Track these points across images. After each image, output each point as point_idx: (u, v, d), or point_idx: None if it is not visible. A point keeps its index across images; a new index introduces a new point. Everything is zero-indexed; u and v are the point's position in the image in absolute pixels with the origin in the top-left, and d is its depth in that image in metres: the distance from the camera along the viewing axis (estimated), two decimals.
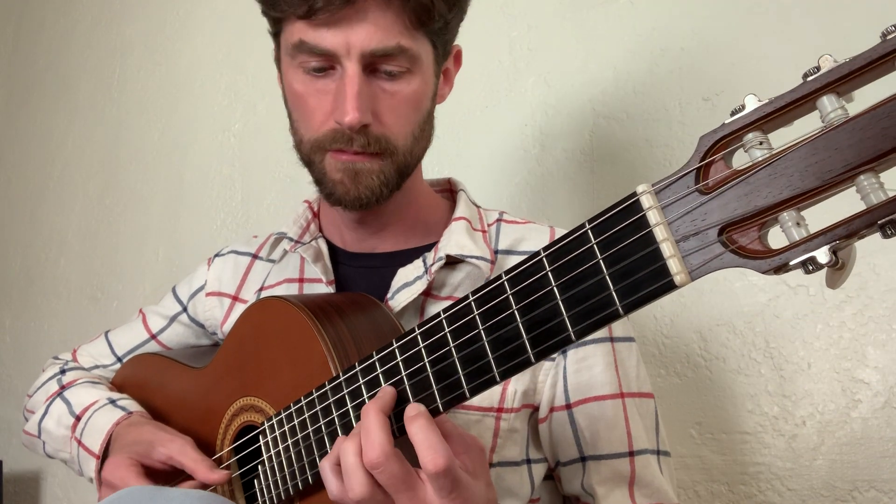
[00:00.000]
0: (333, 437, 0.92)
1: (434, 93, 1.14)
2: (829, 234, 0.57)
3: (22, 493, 2.75)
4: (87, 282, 2.74)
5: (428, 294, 1.14)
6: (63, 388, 1.35)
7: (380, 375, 0.87)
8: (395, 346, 0.86)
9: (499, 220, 1.23)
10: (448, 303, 0.84)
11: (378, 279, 1.18)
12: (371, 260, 1.23)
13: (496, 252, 1.17)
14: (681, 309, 1.49)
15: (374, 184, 1.08)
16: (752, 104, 0.60)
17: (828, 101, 0.57)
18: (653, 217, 0.65)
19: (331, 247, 1.26)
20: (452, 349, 0.81)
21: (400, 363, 0.86)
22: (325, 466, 0.86)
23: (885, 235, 0.54)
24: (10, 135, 3.23)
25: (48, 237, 2.94)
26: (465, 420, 1.08)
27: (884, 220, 0.54)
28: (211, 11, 2.55)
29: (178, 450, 1.11)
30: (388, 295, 1.14)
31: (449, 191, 1.32)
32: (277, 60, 1.16)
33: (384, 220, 1.20)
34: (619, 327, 1.15)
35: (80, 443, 1.24)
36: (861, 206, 0.55)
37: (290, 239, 1.25)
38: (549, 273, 0.72)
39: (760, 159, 0.60)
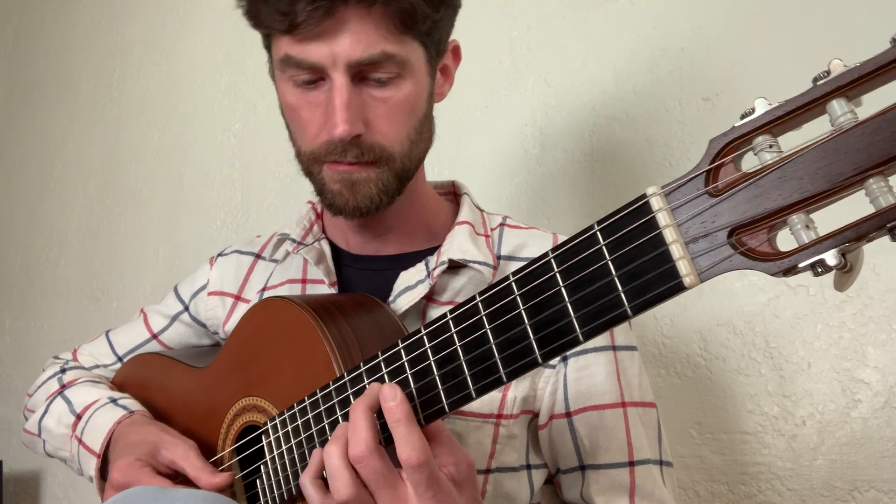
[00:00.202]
0: None
1: (430, 93, 1.13)
2: (839, 236, 0.57)
3: (22, 493, 2.74)
4: (87, 282, 2.74)
5: (430, 299, 1.14)
6: (64, 386, 1.35)
7: (385, 376, 0.87)
8: (400, 346, 0.86)
9: (502, 225, 1.23)
10: (450, 307, 0.84)
11: (381, 282, 1.17)
12: (374, 262, 1.23)
13: (499, 257, 1.17)
14: (681, 309, 1.49)
15: (372, 192, 1.08)
16: (761, 107, 0.60)
17: (837, 105, 0.57)
18: (662, 219, 0.65)
19: (334, 248, 1.26)
20: (459, 350, 0.81)
21: (406, 363, 0.85)
22: (306, 482, 0.87)
23: (894, 238, 0.55)
24: (10, 135, 3.23)
25: (48, 237, 2.93)
26: (465, 426, 1.08)
27: (893, 223, 0.54)
28: (211, 11, 2.55)
29: (181, 455, 1.10)
30: (390, 298, 1.14)
31: (453, 194, 1.31)
32: (271, 72, 1.16)
33: (387, 223, 1.20)
34: (621, 336, 1.14)
35: (80, 441, 1.24)
36: (870, 210, 0.56)
37: (293, 240, 1.25)
38: (558, 274, 0.72)
39: (770, 162, 0.60)
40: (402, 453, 0.79)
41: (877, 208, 0.55)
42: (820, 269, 0.58)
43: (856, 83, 0.56)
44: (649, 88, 1.59)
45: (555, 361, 1.11)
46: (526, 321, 0.75)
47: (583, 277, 0.71)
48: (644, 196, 0.67)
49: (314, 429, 0.95)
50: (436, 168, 1.85)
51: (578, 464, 1.10)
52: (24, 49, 3.26)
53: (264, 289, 1.30)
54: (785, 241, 0.61)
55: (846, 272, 0.58)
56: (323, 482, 0.86)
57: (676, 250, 0.64)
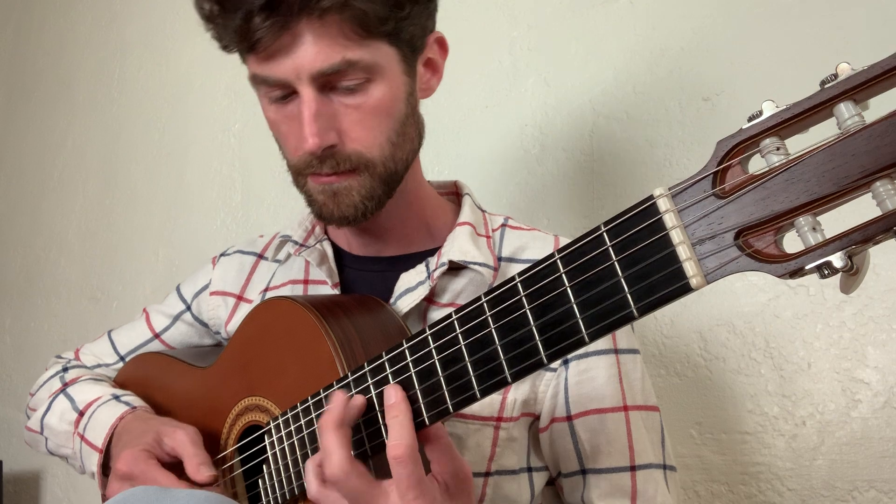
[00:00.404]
0: None
1: (409, 92, 1.11)
2: (845, 238, 0.57)
3: (22, 493, 2.74)
4: (87, 282, 2.73)
5: (430, 301, 1.14)
6: (66, 385, 1.35)
7: (389, 375, 0.87)
8: (405, 346, 0.86)
9: (503, 226, 1.23)
10: (451, 309, 0.84)
11: (382, 283, 1.17)
12: (376, 264, 1.23)
13: (500, 259, 1.17)
14: (681, 309, 1.49)
15: (356, 200, 1.08)
16: (769, 110, 0.61)
17: (845, 109, 0.57)
18: (669, 220, 0.65)
19: (336, 249, 1.26)
20: (464, 350, 0.81)
21: (410, 363, 0.86)
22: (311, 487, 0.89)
23: None
24: (10, 135, 3.22)
25: (48, 237, 2.93)
26: (465, 429, 1.08)
27: None
28: None
29: (179, 441, 1.10)
30: (391, 300, 1.14)
31: (455, 194, 1.31)
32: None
33: (385, 225, 1.20)
34: (623, 339, 1.14)
35: (82, 438, 1.24)
36: (877, 212, 0.56)
37: (295, 242, 1.25)
38: (564, 275, 0.73)
39: (777, 164, 0.60)
40: (388, 446, 0.81)
41: (883, 211, 0.56)
42: (826, 272, 0.58)
43: (863, 86, 0.56)
44: (649, 88, 1.59)
45: (556, 364, 1.11)
46: (532, 322, 0.75)
47: (589, 278, 0.71)
48: (651, 197, 0.67)
49: (316, 429, 0.95)
50: (436, 168, 1.86)
51: (579, 468, 1.10)
52: (24, 49, 3.25)
53: (266, 289, 1.30)
54: (792, 243, 0.62)
55: (852, 274, 0.59)
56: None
57: (683, 251, 0.65)
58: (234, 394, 1.15)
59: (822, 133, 0.59)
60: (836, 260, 0.57)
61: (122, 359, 1.43)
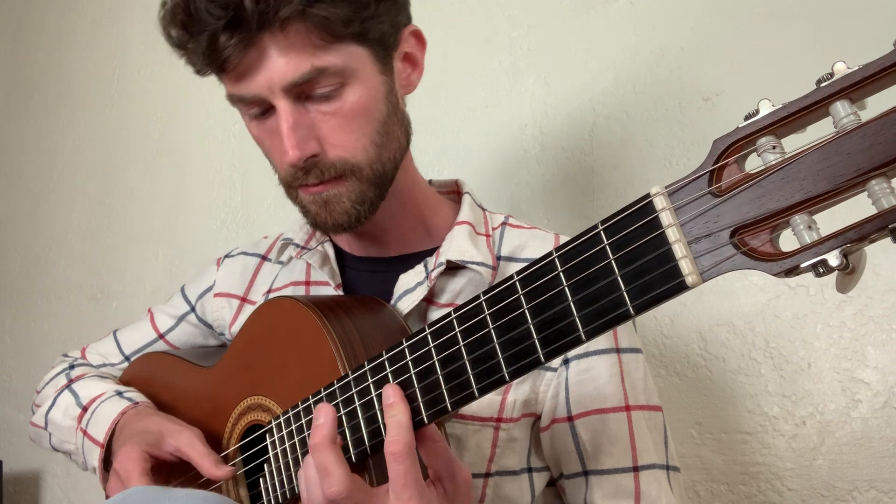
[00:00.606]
0: (342, 436, 0.92)
1: (388, 91, 1.09)
2: (841, 237, 0.57)
3: (22, 493, 2.74)
4: (87, 282, 2.74)
5: (430, 301, 1.14)
6: (71, 381, 1.36)
7: (389, 375, 0.87)
8: (404, 345, 0.86)
9: (504, 224, 1.22)
10: (450, 309, 0.84)
11: (383, 284, 1.17)
12: (376, 264, 1.23)
13: (499, 258, 1.16)
14: (681, 309, 1.49)
15: (347, 206, 1.08)
16: (766, 109, 0.61)
17: (841, 107, 0.57)
18: (666, 218, 0.65)
19: (337, 251, 1.26)
20: (462, 349, 0.81)
21: (409, 362, 0.86)
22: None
23: None
24: (10, 135, 3.22)
25: (48, 237, 2.93)
26: (464, 430, 1.07)
27: (895, 225, 0.55)
28: None
29: (186, 442, 1.10)
30: (391, 301, 1.13)
31: (456, 192, 1.30)
32: None
33: (382, 225, 1.19)
34: (625, 338, 1.13)
35: (85, 433, 1.25)
36: (872, 211, 0.56)
37: (297, 245, 1.25)
38: (561, 274, 0.73)
39: (773, 163, 0.60)
40: (386, 443, 0.82)
41: (879, 209, 0.56)
42: (822, 270, 0.58)
43: (859, 85, 0.56)
44: (649, 88, 1.59)
45: (556, 364, 1.10)
46: (529, 320, 0.75)
47: (586, 277, 0.71)
48: (647, 196, 0.67)
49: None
50: (436, 168, 1.85)
51: (581, 469, 1.09)
52: (24, 49, 3.26)
53: (269, 291, 1.30)
54: (787, 241, 0.62)
55: (848, 273, 0.58)
56: None
57: (679, 250, 0.65)
58: (236, 393, 1.15)
59: (819, 132, 0.59)
60: (832, 258, 0.57)
61: (126, 359, 1.44)
